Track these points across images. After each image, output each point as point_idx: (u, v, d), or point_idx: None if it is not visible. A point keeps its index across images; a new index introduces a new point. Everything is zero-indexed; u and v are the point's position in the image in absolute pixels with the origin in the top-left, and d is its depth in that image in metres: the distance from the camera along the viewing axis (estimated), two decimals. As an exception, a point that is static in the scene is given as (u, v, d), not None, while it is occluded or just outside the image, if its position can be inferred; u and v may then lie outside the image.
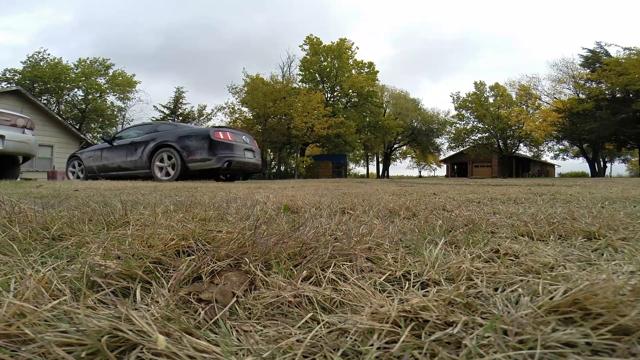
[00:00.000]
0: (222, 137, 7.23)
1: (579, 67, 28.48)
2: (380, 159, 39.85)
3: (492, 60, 73.54)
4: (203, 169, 7.09)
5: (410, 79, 70.43)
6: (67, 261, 0.74)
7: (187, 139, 7.17)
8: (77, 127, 26.87)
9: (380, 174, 38.21)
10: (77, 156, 9.36)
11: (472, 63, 73.99)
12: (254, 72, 27.95)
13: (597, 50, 27.15)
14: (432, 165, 46.34)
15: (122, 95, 33.72)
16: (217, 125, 11.02)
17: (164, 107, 33.43)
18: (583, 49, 27.72)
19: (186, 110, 34.42)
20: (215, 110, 34.48)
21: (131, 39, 63.70)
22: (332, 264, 0.73)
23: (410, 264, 0.74)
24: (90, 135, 31.06)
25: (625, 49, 24.92)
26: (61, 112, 29.55)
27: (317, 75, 32.65)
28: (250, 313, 0.55)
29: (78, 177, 9.31)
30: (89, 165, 8.68)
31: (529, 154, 38.67)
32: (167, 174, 7.29)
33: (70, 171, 9.42)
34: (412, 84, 70.74)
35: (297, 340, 0.45)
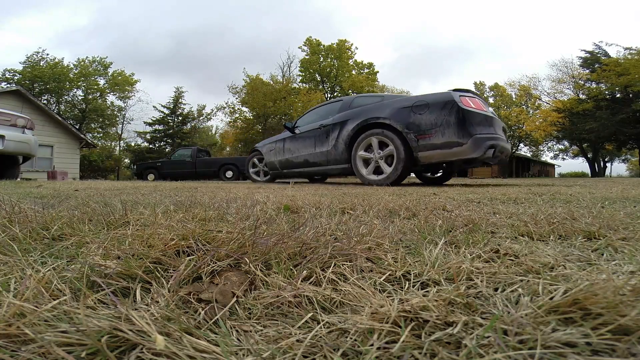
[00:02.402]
0: (473, 105, 4.17)
1: (578, 67, 28.57)
2: (380, 159, 39.79)
3: (491, 61, 73.59)
4: (446, 160, 4.18)
5: (412, 82, 70.68)
6: (67, 261, 0.74)
7: (413, 111, 4.25)
8: (77, 127, 26.91)
9: (380, 174, 38.15)
10: (258, 150, 7.13)
11: (471, 65, 74.07)
12: (261, 75, 27.99)
13: (596, 51, 27.23)
14: (432, 165, 46.16)
15: (122, 95, 33.80)
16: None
17: (164, 107, 33.45)
18: (581, 50, 27.86)
19: (185, 110, 34.46)
20: (215, 110, 34.55)
21: (143, 43, 64.80)
22: (332, 264, 0.73)
23: (410, 264, 0.74)
24: (90, 135, 31.12)
25: (625, 49, 25.00)
26: (61, 112, 29.62)
27: (317, 75, 32.70)
28: (250, 313, 0.55)
29: (258, 176, 7.31)
30: (270, 161, 6.66)
31: (529, 154, 38.72)
32: (378, 170, 4.55)
33: (251, 165, 7.39)
34: (412, 86, 70.90)
35: (297, 340, 0.45)
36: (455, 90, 4.33)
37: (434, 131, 4.10)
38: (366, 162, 4.71)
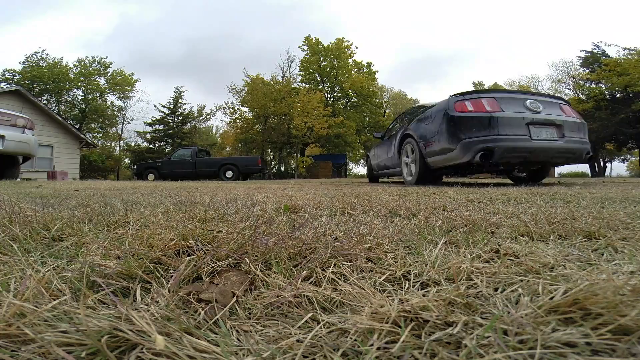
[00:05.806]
0: (470, 109, 4.28)
1: (578, 67, 28.59)
2: (380, 159, 39.88)
3: (491, 62, 73.54)
4: (446, 165, 4.60)
5: (412, 86, 70.87)
6: (67, 261, 0.74)
7: (420, 122, 5.04)
8: (77, 127, 26.87)
9: (380, 174, 38.17)
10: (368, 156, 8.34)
11: (471, 65, 74.05)
12: (261, 75, 27.99)
13: (595, 51, 27.23)
14: (432, 165, 46.21)
15: (122, 95, 33.79)
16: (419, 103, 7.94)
17: (164, 106, 33.43)
18: (581, 51, 27.85)
19: (185, 110, 34.44)
20: (215, 110, 34.55)
21: (156, 47, 65.12)
22: (332, 264, 0.73)
23: (410, 264, 0.74)
24: (90, 135, 31.10)
25: (625, 49, 24.97)
26: (61, 112, 29.59)
27: (317, 75, 32.64)
28: (250, 313, 0.55)
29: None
30: (374, 163, 7.54)
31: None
32: (412, 171, 5.36)
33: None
34: (412, 90, 71.09)
35: (297, 340, 0.45)
36: (455, 94, 4.63)
37: (434, 139, 4.63)
38: (406, 164, 5.58)
